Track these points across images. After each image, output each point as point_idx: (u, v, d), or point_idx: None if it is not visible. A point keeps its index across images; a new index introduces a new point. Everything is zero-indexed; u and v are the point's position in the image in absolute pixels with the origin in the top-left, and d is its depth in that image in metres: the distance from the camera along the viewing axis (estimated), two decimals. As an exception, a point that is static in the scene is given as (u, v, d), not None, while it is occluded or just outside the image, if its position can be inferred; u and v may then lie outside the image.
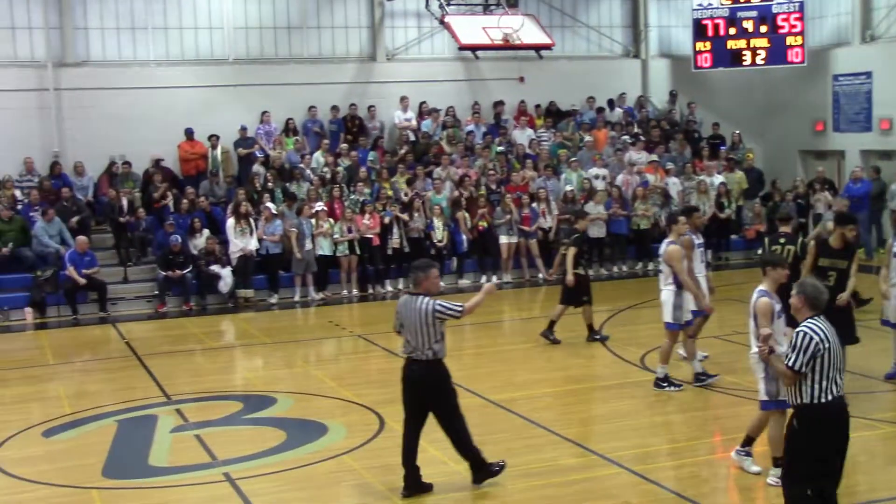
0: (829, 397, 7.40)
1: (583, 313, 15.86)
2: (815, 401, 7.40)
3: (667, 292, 12.75)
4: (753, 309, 8.99)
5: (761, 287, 9.11)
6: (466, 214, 22.20)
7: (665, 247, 12.78)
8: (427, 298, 9.32)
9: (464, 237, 22.10)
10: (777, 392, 9.10)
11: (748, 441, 9.80)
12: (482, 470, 9.74)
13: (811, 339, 7.37)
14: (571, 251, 15.61)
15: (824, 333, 7.42)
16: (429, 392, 9.53)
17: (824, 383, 7.39)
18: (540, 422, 11.76)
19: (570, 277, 15.51)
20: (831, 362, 7.42)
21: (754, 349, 9.02)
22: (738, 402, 12.15)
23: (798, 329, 7.50)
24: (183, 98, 23.64)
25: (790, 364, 7.41)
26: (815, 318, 7.52)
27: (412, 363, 9.47)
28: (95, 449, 11.37)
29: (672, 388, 12.71)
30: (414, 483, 9.62)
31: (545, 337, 15.80)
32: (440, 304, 9.29)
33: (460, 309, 9.38)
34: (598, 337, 15.76)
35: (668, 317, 12.76)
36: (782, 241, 12.56)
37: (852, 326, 11.96)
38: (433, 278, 9.52)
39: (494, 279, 22.17)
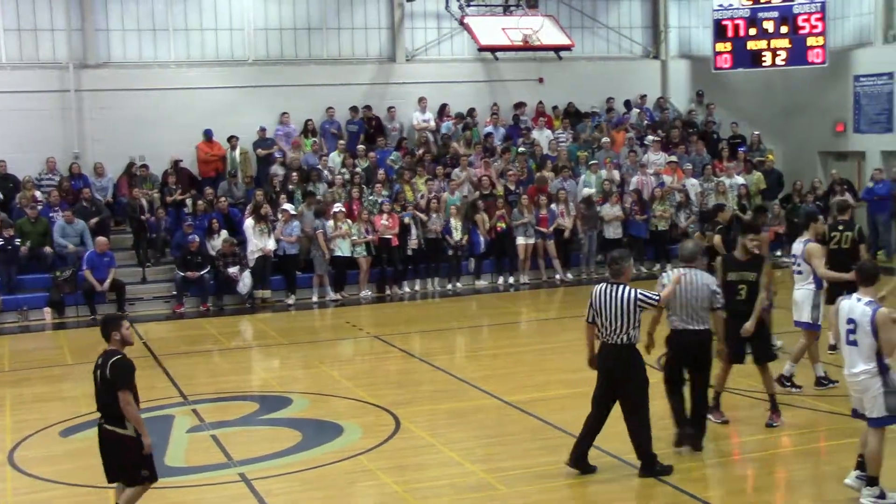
0: None
1: None
2: None
3: (805, 291, 12.45)
4: (874, 323, 8.72)
5: (868, 298, 8.89)
6: (485, 216, 22.18)
7: (803, 245, 12.57)
8: (628, 287, 9.78)
9: (481, 238, 22.09)
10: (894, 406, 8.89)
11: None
12: (647, 468, 9.87)
13: None
14: (717, 238, 14.79)
15: None
16: (620, 376, 9.80)
17: None
18: (556, 423, 11.73)
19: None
20: None
21: (862, 366, 8.81)
22: (754, 405, 12.08)
23: None
24: (203, 99, 23.71)
25: None
26: None
27: (608, 348, 9.81)
28: (112, 449, 11.40)
29: (794, 390, 12.53)
30: (580, 458, 9.97)
31: None
32: (642, 293, 9.79)
33: (658, 298, 10.03)
34: None
35: (805, 316, 12.54)
36: (841, 227, 13.65)
37: (768, 342, 11.62)
38: (631, 268, 10.31)
39: (511, 280, 22.19)
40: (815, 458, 10.73)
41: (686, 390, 10.61)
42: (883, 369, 8.78)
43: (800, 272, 12.66)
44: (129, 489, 8.54)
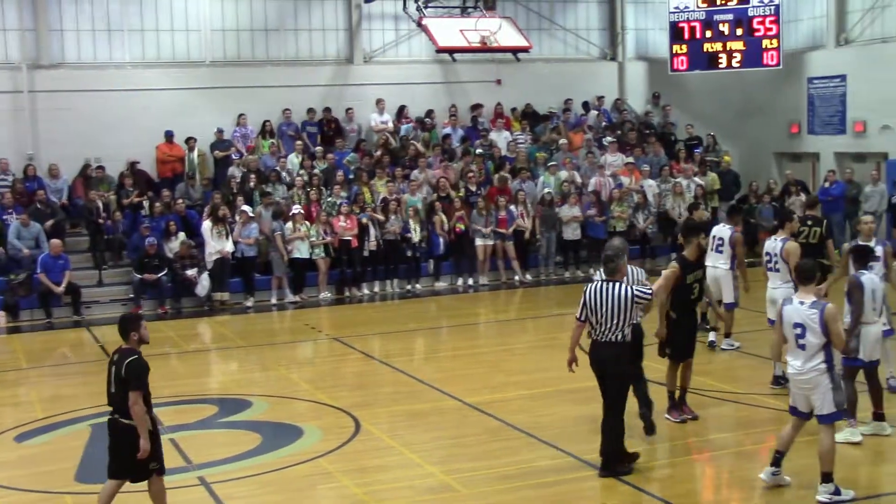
0: None
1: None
2: None
3: (784, 290, 12.37)
4: (823, 322, 8.88)
5: (811, 299, 9.13)
6: (443, 217, 22.19)
7: (781, 244, 12.68)
8: (624, 285, 9.82)
9: (440, 239, 22.10)
10: (843, 401, 9.13)
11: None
12: (609, 468, 9.94)
13: None
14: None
15: None
16: (611, 371, 9.86)
17: None
18: (516, 424, 11.76)
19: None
20: None
21: (810, 364, 8.98)
22: (714, 404, 12.19)
23: None
24: (159, 100, 23.52)
25: None
26: None
27: (602, 346, 9.83)
28: (69, 454, 11.30)
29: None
30: (612, 461, 9.98)
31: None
32: (638, 290, 9.86)
33: (651, 291, 10.12)
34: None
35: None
36: (810, 223, 14.54)
37: (692, 341, 11.70)
38: (626, 264, 10.20)
39: (471, 281, 22.22)
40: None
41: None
42: (830, 366, 8.96)
43: (777, 270, 12.78)
44: (152, 486, 8.79)
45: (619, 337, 9.75)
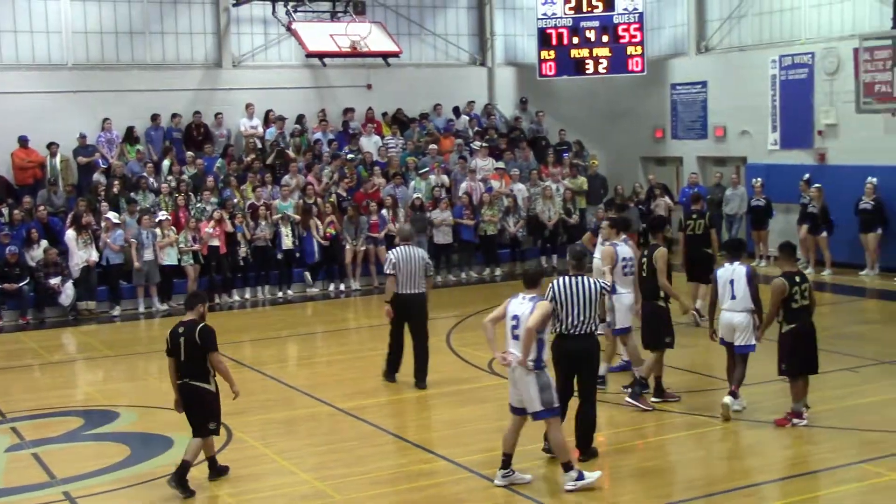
0: None
1: None
2: None
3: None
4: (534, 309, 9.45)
5: (532, 295, 9.78)
6: (318, 222, 22.05)
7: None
8: (591, 279, 10.25)
9: (315, 246, 21.90)
10: (552, 400, 9.46)
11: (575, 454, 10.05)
12: (588, 452, 10.35)
13: None
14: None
15: None
16: (584, 362, 10.18)
17: None
18: (388, 428, 11.80)
19: None
20: None
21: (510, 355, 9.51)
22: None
23: None
24: (18, 104, 22.69)
25: None
26: None
27: (571, 339, 10.05)
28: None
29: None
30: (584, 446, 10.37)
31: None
32: (603, 282, 10.54)
33: (609, 285, 11.15)
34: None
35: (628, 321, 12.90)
36: (695, 216, 16.83)
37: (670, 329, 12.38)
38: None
39: (342, 287, 22.14)
40: (639, 453, 11.10)
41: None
42: (538, 366, 9.37)
43: (631, 275, 13.01)
44: (193, 441, 9.96)
45: (592, 328, 10.06)
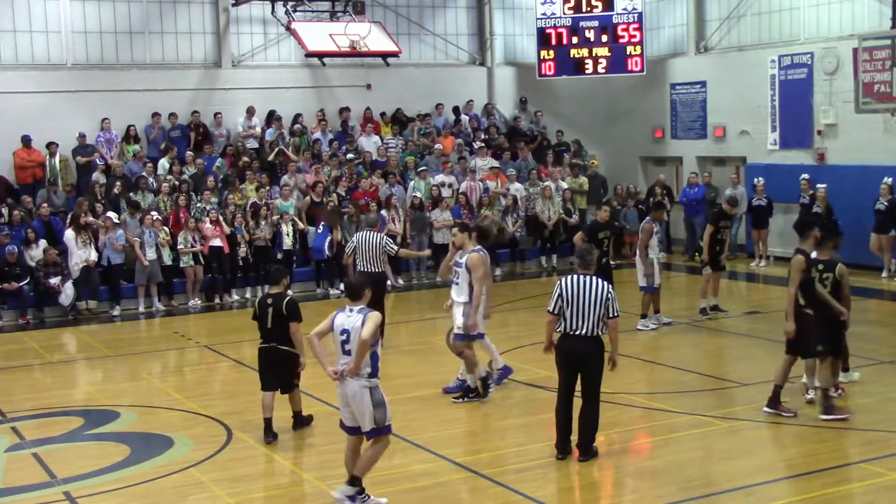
0: None
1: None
2: None
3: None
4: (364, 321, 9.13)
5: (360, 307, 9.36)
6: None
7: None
8: (599, 279, 10.10)
9: (326, 243, 21.77)
10: (384, 418, 9.17)
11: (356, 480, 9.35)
12: (589, 453, 10.33)
13: None
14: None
15: None
16: (588, 363, 10.09)
17: None
18: (394, 429, 11.76)
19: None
20: None
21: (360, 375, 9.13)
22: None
23: None
24: (17, 104, 22.70)
25: None
26: None
27: (575, 339, 9.99)
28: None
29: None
30: (567, 446, 10.40)
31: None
32: (610, 286, 10.24)
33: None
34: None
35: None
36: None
37: None
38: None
39: (342, 286, 22.10)
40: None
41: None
42: (372, 376, 9.11)
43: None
44: (292, 395, 11.74)
45: (599, 330, 9.98)
